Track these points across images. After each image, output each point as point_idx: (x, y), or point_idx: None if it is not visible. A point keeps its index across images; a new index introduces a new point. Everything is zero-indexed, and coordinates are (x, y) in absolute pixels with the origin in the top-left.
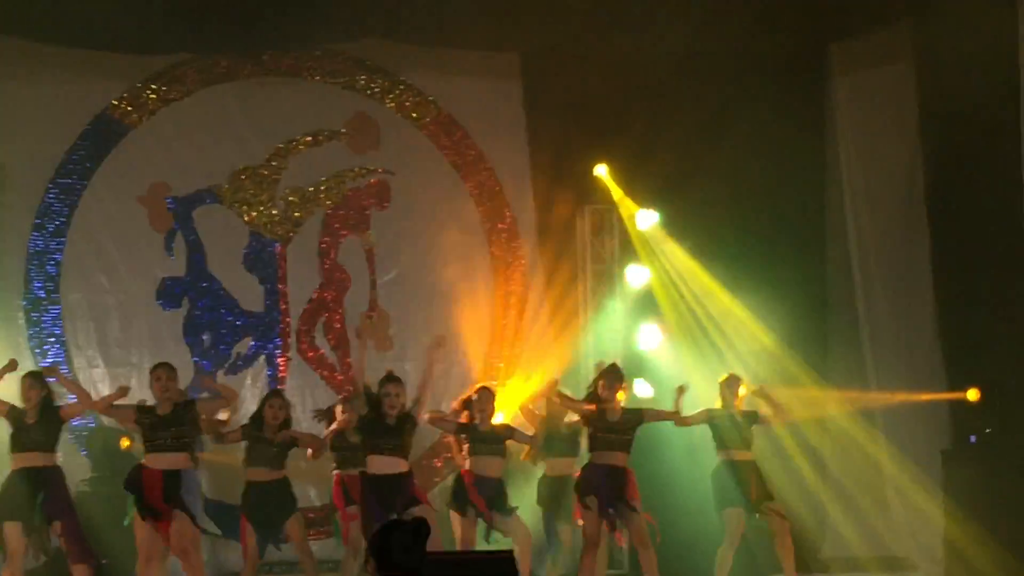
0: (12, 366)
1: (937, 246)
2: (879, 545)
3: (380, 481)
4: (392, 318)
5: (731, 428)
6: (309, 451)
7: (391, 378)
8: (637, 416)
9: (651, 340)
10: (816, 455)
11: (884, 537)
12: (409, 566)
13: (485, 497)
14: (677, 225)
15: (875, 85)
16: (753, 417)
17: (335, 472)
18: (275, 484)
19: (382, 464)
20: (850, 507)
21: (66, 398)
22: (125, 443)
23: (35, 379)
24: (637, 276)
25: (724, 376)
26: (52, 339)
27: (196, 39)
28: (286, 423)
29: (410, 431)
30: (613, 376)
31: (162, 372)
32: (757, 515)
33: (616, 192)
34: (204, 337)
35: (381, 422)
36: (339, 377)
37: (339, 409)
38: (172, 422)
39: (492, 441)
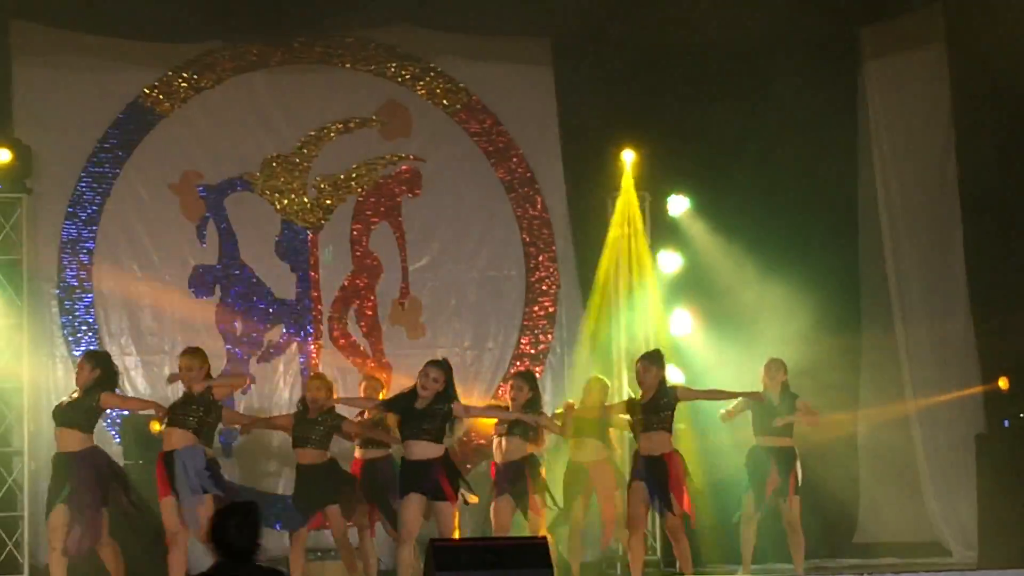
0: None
1: (970, 230)
2: (913, 530)
3: (410, 467)
4: (423, 305)
5: (765, 414)
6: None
7: (435, 362)
8: (670, 394)
9: (683, 326)
10: (850, 439)
11: (918, 522)
12: (242, 546)
13: (508, 480)
14: (709, 210)
15: (907, 69)
16: (793, 403)
17: (357, 455)
18: (321, 467)
19: (414, 449)
20: (884, 492)
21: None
22: (155, 427)
23: (86, 359)
24: (669, 262)
25: (767, 361)
26: (85, 327)
27: (227, 27)
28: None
29: (444, 416)
30: (647, 359)
31: (181, 361)
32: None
33: (627, 180)
34: (236, 325)
35: (413, 405)
36: (371, 364)
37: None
38: (179, 406)
39: (516, 425)
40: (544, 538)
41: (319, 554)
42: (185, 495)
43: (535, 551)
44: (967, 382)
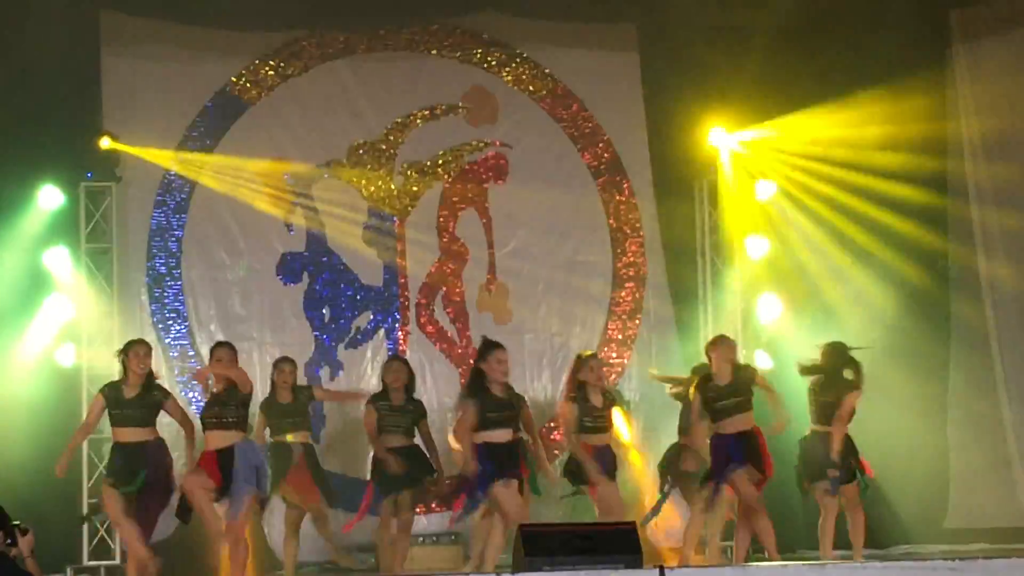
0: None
1: None
2: (1006, 515)
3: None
4: (510, 291)
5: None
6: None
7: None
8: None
9: (771, 311)
10: (940, 423)
11: (1011, 507)
12: None
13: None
14: (796, 195)
15: (997, 52)
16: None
17: None
18: (404, 450)
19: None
20: (975, 477)
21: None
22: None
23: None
24: (757, 247)
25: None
26: (174, 315)
27: (313, 15)
28: (408, 387)
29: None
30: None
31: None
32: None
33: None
34: (324, 311)
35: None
36: (458, 350)
37: None
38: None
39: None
40: (632, 523)
41: (420, 539)
42: (239, 487)
43: (624, 536)
44: None
